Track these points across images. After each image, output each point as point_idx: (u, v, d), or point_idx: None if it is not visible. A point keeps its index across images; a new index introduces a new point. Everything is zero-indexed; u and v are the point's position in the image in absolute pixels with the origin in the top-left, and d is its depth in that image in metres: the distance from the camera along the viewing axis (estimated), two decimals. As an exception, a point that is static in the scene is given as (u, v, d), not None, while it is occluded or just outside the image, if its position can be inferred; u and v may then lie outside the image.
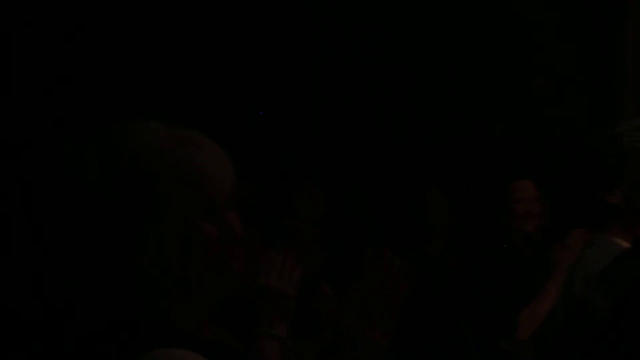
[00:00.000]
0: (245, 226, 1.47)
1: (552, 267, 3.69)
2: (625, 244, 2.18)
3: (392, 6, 6.42)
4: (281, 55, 6.56)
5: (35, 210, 1.37)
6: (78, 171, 1.36)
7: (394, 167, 6.20)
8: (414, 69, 6.41)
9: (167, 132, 1.41)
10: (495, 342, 3.79)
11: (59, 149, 1.41)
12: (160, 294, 1.34)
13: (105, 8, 6.23)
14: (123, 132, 1.40)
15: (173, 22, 6.30)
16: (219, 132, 1.51)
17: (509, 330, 3.70)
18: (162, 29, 6.27)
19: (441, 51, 6.31)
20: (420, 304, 4.21)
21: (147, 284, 1.33)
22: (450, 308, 4.24)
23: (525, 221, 4.27)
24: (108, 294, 1.35)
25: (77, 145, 1.40)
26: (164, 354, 1.28)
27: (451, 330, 4.02)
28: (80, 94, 6.08)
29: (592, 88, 6.03)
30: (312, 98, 6.59)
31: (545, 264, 3.85)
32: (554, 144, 4.93)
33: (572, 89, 6.08)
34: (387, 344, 1.38)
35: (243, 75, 6.49)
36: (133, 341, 1.30)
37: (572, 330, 2.05)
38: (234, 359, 1.47)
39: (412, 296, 4.44)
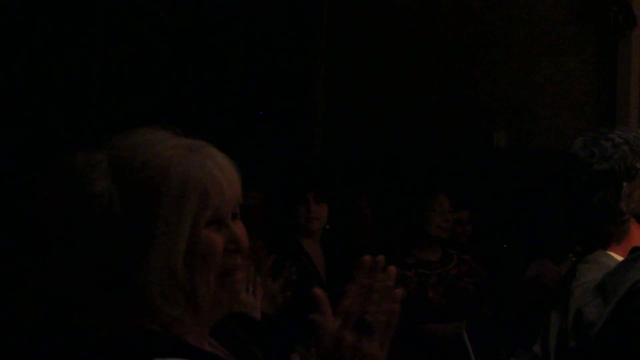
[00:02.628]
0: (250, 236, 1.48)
1: None
2: (620, 258, 2.19)
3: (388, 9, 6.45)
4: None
5: (44, 219, 1.39)
6: (87, 181, 1.37)
7: (395, 174, 6.21)
8: (422, 78, 6.43)
9: (175, 141, 1.42)
10: (498, 352, 3.80)
11: (69, 160, 1.42)
12: (166, 302, 1.35)
13: (110, 16, 6.27)
14: (131, 141, 1.41)
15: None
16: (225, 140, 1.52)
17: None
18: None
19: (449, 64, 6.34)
20: (419, 311, 4.22)
21: (152, 292, 1.34)
22: (450, 316, 4.24)
23: None
24: (113, 301, 1.37)
25: (86, 155, 1.41)
26: None
27: (452, 338, 4.02)
28: (88, 104, 6.11)
29: (596, 99, 6.04)
30: (318, 107, 6.61)
31: None
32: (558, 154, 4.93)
33: (576, 100, 6.09)
34: (385, 356, 1.36)
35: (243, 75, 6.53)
36: (135, 350, 1.31)
37: (569, 342, 2.06)
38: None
39: (411, 303, 4.40)
